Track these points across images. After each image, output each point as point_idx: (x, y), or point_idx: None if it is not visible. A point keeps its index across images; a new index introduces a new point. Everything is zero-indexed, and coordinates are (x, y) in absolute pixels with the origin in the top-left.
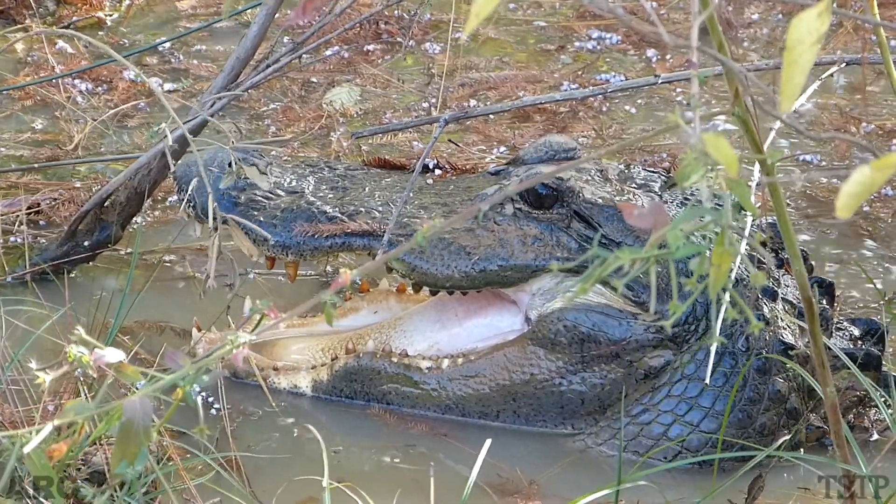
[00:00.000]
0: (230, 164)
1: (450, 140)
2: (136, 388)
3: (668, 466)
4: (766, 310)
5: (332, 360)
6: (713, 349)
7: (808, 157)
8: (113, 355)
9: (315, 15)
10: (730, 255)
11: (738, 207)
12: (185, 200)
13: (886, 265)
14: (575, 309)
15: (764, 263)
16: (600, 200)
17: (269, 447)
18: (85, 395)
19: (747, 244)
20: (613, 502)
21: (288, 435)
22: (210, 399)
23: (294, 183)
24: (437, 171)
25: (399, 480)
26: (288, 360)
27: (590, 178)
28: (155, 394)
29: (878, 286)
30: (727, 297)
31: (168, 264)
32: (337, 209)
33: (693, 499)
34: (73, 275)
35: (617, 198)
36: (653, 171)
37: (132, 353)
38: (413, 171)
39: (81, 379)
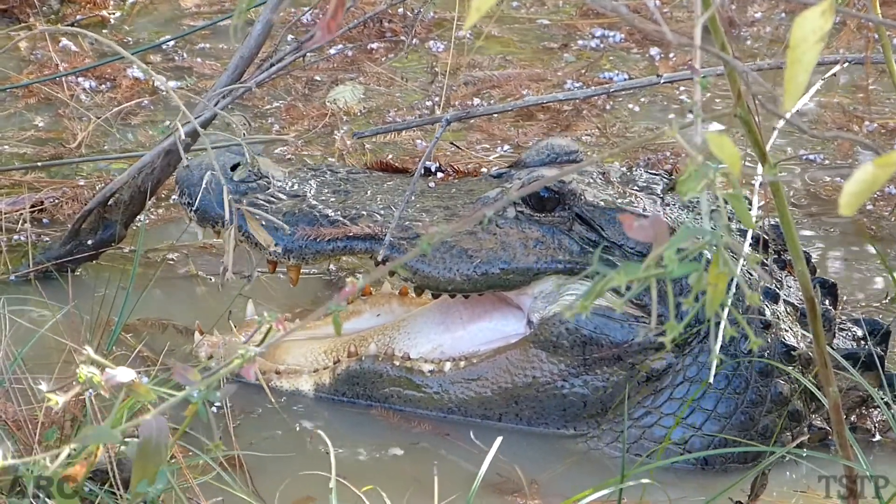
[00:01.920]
0: (233, 168)
1: (451, 142)
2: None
3: (671, 462)
4: (767, 312)
5: (335, 363)
6: (715, 353)
7: (811, 156)
8: (125, 375)
9: (319, 15)
10: (726, 276)
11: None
12: (188, 204)
13: (890, 264)
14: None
15: (761, 273)
16: (602, 203)
17: (271, 445)
18: (89, 399)
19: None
20: (615, 501)
21: (290, 433)
22: None
23: (296, 186)
24: (440, 174)
25: (402, 478)
26: (290, 364)
27: (592, 180)
28: (166, 408)
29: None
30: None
31: (171, 262)
32: (339, 213)
33: (695, 497)
34: (76, 273)
35: (619, 200)
36: (655, 174)
37: (136, 351)
38: (415, 174)
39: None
